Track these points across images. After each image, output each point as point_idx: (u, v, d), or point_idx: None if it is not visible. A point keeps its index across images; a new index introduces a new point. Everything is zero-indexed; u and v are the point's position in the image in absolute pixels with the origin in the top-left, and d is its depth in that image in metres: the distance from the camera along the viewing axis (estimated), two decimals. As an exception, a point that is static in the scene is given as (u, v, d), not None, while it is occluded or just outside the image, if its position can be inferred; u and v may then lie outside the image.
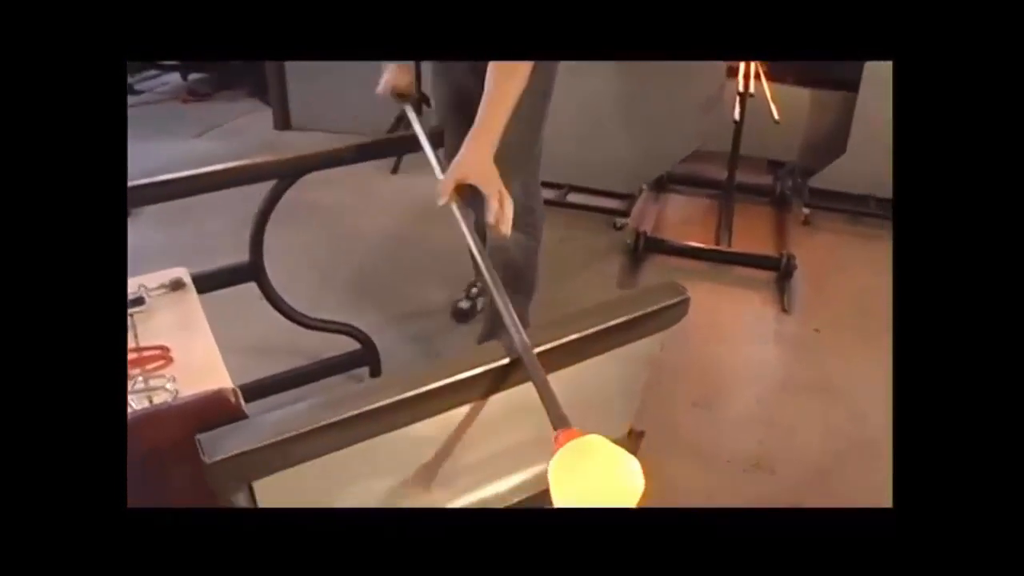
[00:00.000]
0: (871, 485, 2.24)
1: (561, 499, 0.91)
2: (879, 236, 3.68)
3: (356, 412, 1.03)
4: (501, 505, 1.31)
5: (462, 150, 1.64)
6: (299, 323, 2.43)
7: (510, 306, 1.21)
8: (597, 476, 0.92)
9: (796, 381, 2.76)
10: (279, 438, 0.98)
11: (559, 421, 1.00)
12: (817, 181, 3.87)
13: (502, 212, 1.55)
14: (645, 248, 3.39)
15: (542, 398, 1.05)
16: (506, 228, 1.55)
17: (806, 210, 3.81)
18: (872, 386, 2.69)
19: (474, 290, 2.92)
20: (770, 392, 2.70)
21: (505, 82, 1.63)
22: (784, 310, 3.12)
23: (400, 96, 2.19)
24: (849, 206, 3.83)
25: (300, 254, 3.32)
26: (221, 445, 0.96)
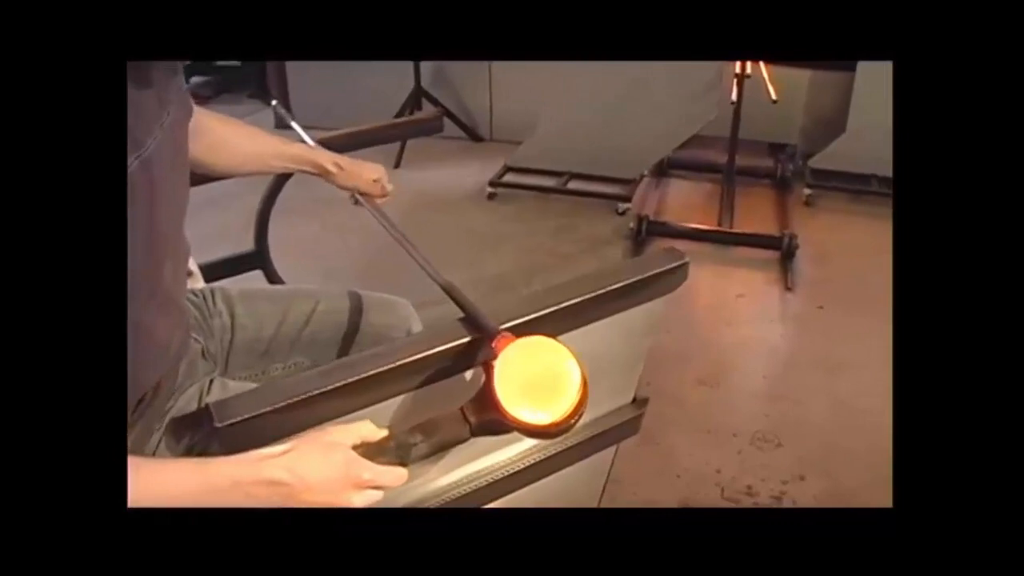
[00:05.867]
0: (874, 456, 2.26)
1: (508, 397, 0.96)
2: (881, 215, 3.67)
3: (368, 374, 1.03)
4: (512, 469, 1.33)
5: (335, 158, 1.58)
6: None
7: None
8: (542, 368, 0.99)
9: (802, 358, 2.77)
10: (289, 401, 0.99)
11: (491, 330, 1.04)
12: (818, 161, 3.87)
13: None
14: (648, 232, 3.40)
15: (469, 314, 1.09)
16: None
17: (808, 191, 3.81)
18: (876, 361, 2.70)
19: None
20: (776, 369, 2.72)
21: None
22: (788, 289, 3.13)
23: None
24: (851, 185, 3.82)
25: (305, 246, 3.34)
26: (231, 409, 0.97)
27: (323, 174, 1.57)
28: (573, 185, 3.94)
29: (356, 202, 1.61)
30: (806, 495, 2.15)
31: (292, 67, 4.85)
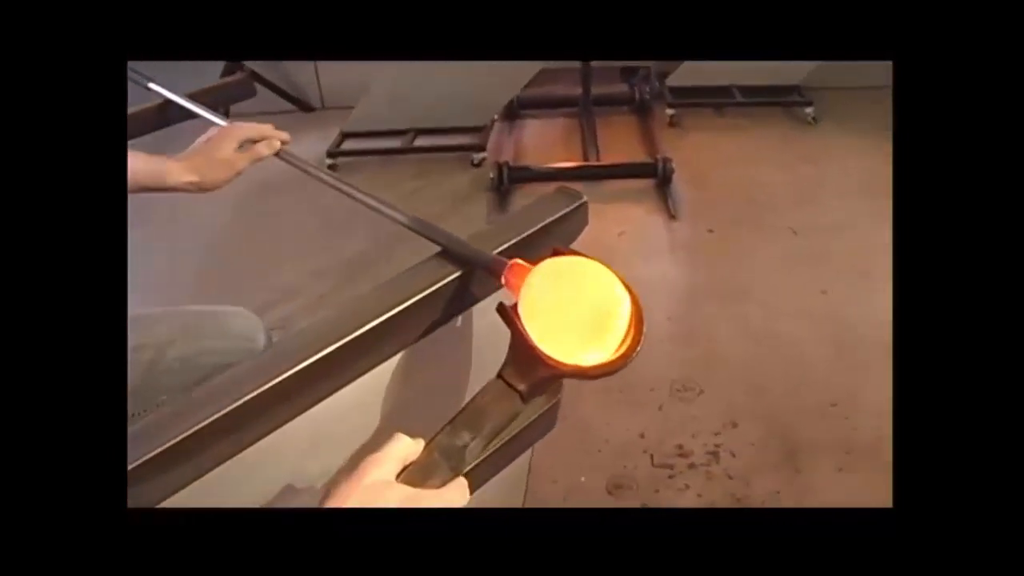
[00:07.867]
0: (801, 383, 2.07)
1: (552, 343, 0.77)
2: (748, 126, 3.55)
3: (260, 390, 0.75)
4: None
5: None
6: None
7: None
8: (575, 293, 0.80)
9: (703, 289, 2.53)
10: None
11: (497, 261, 0.85)
12: (676, 79, 3.67)
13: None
14: (511, 180, 3.10)
15: (461, 256, 0.92)
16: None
17: (671, 111, 3.61)
18: (778, 279, 2.51)
19: None
20: (680, 307, 2.47)
21: None
22: (672, 216, 2.90)
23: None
24: (713, 99, 3.66)
25: (137, 257, 2.89)
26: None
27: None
28: (420, 142, 3.60)
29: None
30: (743, 443, 1.90)
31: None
